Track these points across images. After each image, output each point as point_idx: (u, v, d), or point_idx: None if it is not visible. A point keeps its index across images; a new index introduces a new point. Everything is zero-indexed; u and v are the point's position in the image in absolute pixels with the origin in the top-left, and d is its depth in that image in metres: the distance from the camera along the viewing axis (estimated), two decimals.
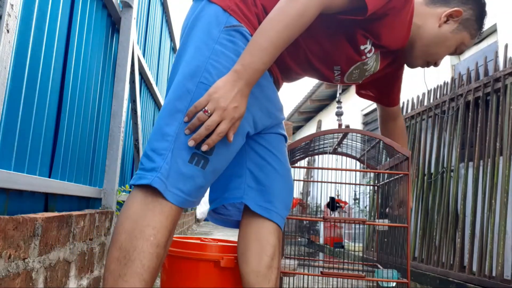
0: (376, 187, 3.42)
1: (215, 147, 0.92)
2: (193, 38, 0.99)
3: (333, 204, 3.27)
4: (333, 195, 3.71)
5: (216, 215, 1.24)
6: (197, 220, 8.69)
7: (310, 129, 9.97)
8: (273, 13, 0.92)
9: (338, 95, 3.78)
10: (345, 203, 5.64)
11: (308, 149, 2.96)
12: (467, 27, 1.19)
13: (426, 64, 1.25)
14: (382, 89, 1.62)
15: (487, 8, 1.24)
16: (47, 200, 1.42)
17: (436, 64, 1.24)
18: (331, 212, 3.50)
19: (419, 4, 1.19)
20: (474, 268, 2.92)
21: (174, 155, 0.89)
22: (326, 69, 1.19)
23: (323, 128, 8.53)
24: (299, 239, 6.09)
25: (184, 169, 0.89)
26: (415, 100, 4.30)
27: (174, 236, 1.37)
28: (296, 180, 2.16)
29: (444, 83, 3.81)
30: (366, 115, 6.60)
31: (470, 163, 3.24)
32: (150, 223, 0.85)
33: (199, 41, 0.98)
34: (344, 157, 3.21)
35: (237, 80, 0.88)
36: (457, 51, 1.23)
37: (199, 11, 1.03)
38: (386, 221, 2.79)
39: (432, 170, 3.68)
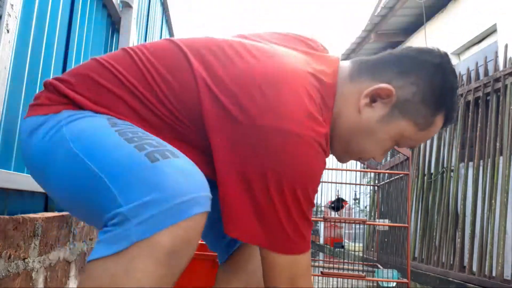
0: (376, 187, 3.42)
1: None
2: None
3: (338, 204, 3.28)
4: (337, 196, 3.72)
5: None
6: None
7: None
8: None
9: None
10: (345, 203, 5.64)
11: None
12: (407, 113, 0.77)
13: (358, 159, 0.89)
14: None
15: (453, 59, 0.82)
16: (47, 200, 1.42)
17: (376, 159, 0.84)
18: (333, 211, 3.51)
19: (343, 79, 0.80)
20: (474, 268, 2.92)
21: None
22: None
23: None
24: None
25: None
26: None
27: None
28: None
29: None
30: None
31: (470, 163, 3.24)
32: None
33: None
34: None
35: None
36: (402, 145, 0.83)
37: None
38: (386, 221, 2.79)
39: (432, 170, 3.68)
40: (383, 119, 0.77)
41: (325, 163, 0.75)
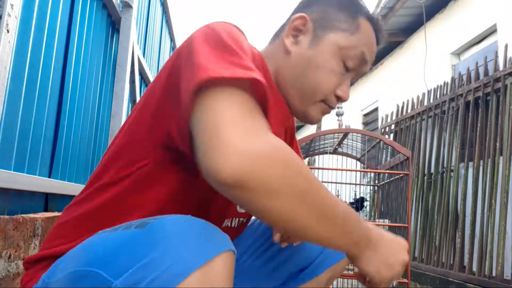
0: (376, 187, 3.42)
1: None
2: None
3: (359, 203, 3.31)
4: (356, 196, 3.72)
5: None
6: None
7: (310, 129, 9.97)
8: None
9: None
10: (345, 203, 5.64)
11: (309, 149, 2.96)
12: (329, 27, 0.76)
13: (322, 108, 0.79)
14: None
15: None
16: (47, 200, 1.42)
17: (340, 92, 0.77)
18: (359, 211, 3.54)
19: (265, 49, 0.82)
20: (474, 268, 2.92)
21: None
22: None
23: (323, 128, 8.53)
24: None
25: None
26: (415, 100, 4.30)
27: None
28: None
29: (444, 83, 3.81)
30: (366, 115, 6.60)
31: (470, 163, 3.24)
32: None
33: None
34: (344, 157, 3.21)
35: None
36: (350, 63, 0.76)
37: None
38: (386, 221, 2.79)
39: (432, 170, 3.68)
40: (312, 44, 0.76)
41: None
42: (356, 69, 0.78)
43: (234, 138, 0.48)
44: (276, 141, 0.52)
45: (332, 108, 0.80)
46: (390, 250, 0.69)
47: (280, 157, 0.50)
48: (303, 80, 0.76)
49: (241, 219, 0.84)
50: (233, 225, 0.82)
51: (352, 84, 0.83)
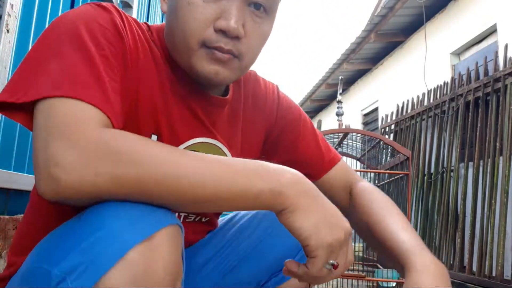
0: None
1: None
2: None
3: None
4: None
5: None
6: None
7: None
8: None
9: (338, 95, 3.78)
10: None
11: None
12: None
13: (206, 55, 0.62)
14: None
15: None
16: None
17: (225, 31, 0.60)
18: None
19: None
20: (474, 268, 2.92)
21: None
22: None
23: (323, 128, 8.53)
24: None
25: None
26: (415, 100, 4.30)
27: None
28: None
29: (444, 83, 3.81)
30: (366, 115, 6.60)
31: (470, 163, 3.24)
32: None
33: None
34: (344, 157, 3.22)
35: None
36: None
37: None
38: None
39: (432, 170, 3.68)
40: None
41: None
42: None
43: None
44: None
45: (221, 49, 0.61)
46: (333, 209, 0.56)
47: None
48: (172, 33, 0.64)
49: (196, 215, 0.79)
50: (188, 220, 0.78)
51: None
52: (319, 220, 0.53)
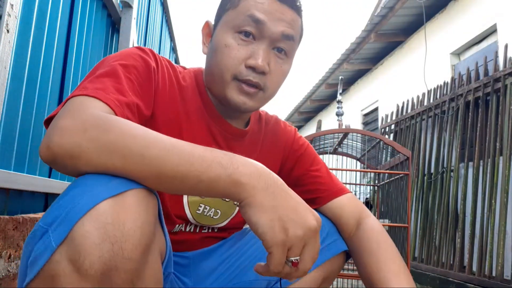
0: (376, 187, 3.42)
1: None
2: None
3: (367, 205, 3.31)
4: (366, 199, 3.72)
5: None
6: None
7: (310, 129, 9.97)
8: None
9: (338, 95, 3.78)
10: None
11: None
12: (219, 16, 0.82)
13: (238, 86, 0.77)
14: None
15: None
16: (47, 200, 1.42)
17: (254, 67, 0.75)
18: None
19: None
20: (474, 268, 2.92)
21: None
22: None
23: (323, 128, 8.52)
24: None
25: None
26: (415, 100, 4.30)
27: None
28: None
29: (444, 83, 3.81)
30: (366, 115, 6.60)
31: (470, 163, 3.24)
32: None
33: None
34: (344, 157, 3.21)
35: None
36: (246, 29, 0.76)
37: None
38: (386, 221, 2.79)
39: (432, 170, 3.68)
40: (212, 37, 0.82)
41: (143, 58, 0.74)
42: (260, 33, 0.75)
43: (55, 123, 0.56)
44: (88, 114, 0.56)
45: (249, 82, 0.75)
46: (293, 205, 0.56)
47: (86, 125, 0.54)
48: (211, 69, 0.80)
49: (202, 225, 0.86)
50: (187, 230, 0.85)
51: (275, 51, 0.78)
52: (275, 216, 0.53)
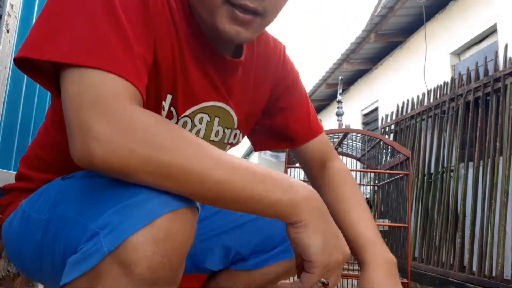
0: (376, 187, 3.42)
1: None
2: None
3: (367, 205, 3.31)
4: (367, 199, 3.72)
5: None
6: None
7: None
8: None
9: (338, 95, 3.79)
10: None
11: None
12: None
13: (229, 12, 0.61)
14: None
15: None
16: None
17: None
18: None
19: None
20: (474, 268, 2.92)
21: None
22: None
23: (323, 128, 8.50)
24: None
25: None
26: (415, 100, 4.30)
27: None
28: None
29: (444, 83, 3.81)
30: (366, 115, 6.60)
31: (470, 163, 3.24)
32: None
33: None
34: (344, 157, 3.21)
35: None
36: None
37: None
38: (386, 221, 2.79)
39: (432, 170, 3.68)
40: None
41: None
42: None
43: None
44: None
45: (246, 7, 0.60)
46: (336, 232, 0.59)
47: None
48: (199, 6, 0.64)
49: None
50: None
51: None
52: (326, 240, 0.56)
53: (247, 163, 0.54)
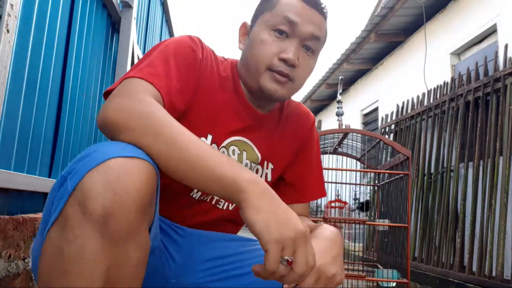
0: (376, 187, 3.42)
1: None
2: None
3: (365, 206, 3.32)
4: (366, 199, 3.73)
5: None
6: None
7: None
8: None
9: (338, 95, 3.78)
10: (345, 203, 5.64)
11: None
12: (256, 16, 0.93)
13: (271, 76, 0.87)
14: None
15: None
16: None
17: (286, 60, 0.86)
18: (362, 212, 3.55)
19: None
20: (474, 268, 2.92)
21: None
22: None
23: (323, 128, 8.52)
24: None
25: None
26: (415, 100, 4.30)
27: None
28: None
29: (444, 83, 3.81)
30: (366, 115, 6.60)
31: (470, 163, 3.24)
32: None
33: None
34: (344, 157, 3.21)
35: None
36: (281, 28, 0.87)
37: None
38: (386, 221, 2.79)
39: (432, 170, 3.68)
40: (249, 35, 0.93)
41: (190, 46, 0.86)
42: (292, 32, 0.87)
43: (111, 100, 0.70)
44: (143, 103, 0.68)
45: (281, 73, 0.86)
46: (285, 211, 0.63)
47: (137, 109, 0.67)
48: (247, 62, 0.90)
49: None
50: (204, 198, 0.91)
51: (304, 49, 0.89)
52: (270, 218, 0.61)
53: (213, 148, 0.65)
